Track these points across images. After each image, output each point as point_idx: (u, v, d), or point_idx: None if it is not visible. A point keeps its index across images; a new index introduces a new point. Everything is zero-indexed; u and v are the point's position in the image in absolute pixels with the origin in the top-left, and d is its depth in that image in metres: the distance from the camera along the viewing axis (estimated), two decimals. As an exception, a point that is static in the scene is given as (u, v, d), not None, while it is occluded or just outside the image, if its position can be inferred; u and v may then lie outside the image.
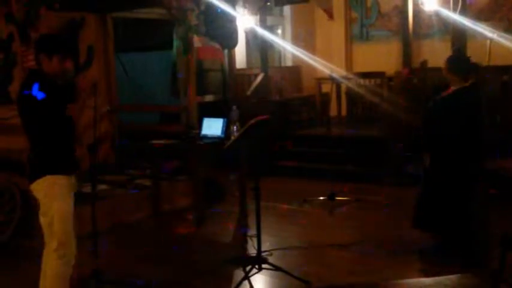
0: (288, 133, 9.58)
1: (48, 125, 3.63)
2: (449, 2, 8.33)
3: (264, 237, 5.02)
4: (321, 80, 10.19)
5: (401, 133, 7.94)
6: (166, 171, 7.34)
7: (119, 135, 8.23)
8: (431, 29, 10.27)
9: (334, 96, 9.64)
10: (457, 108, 4.97)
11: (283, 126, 9.67)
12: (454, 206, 4.97)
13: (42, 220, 3.79)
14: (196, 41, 7.98)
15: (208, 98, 9.66)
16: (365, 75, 9.83)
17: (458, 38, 8.02)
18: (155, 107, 9.51)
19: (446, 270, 4.61)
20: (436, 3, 8.88)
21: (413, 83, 8.47)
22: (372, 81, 9.68)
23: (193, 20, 7.87)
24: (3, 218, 5.80)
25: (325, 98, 9.85)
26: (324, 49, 11.45)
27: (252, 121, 4.76)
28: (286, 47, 11.66)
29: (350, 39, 11.57)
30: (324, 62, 10.16)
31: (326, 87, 9.90)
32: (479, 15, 9.45)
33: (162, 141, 6.46)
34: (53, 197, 3.71)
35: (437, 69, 5.52)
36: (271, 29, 11.31)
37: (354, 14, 11.52)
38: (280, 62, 12.47)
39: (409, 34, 9.22)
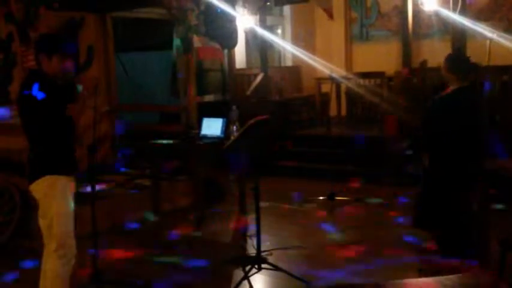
0: (288, 133, 9.58)
1: (48, 125, 3.63)
2: (449, 2, 8.34)
3: (263, 237, 5.02)
4: (320, 80, 10.20)
5: (401, 133, 7.94)
6: (166, 171, 7.33)
7: (119, 135, 8.23)
8: (431, 29, 10.28)
9: (334, 96, 9.65)
10: (455, 108, 4.96)
11: (283, 126, 9.67)
12: (453, 206, 4.96)
13: (42, 221, 3.77)
14: (196, 41, 7.98)
15: (208, 98, 9.67)
16: (365, 75, 9.83)
17: (458, 38, 8.03)
18: (155, 107, 9.51)
19: (446, 270, 4.61)
20: (436, 3, 8.88)
21: (413, 82, 8.48)
22: (372, 81, 9.68)
23: (193, 20, 7.87)
24: (3, 219, 5.79)
25: (325, 98, 9.86)
26: (323, 49, 11.46)
27: (252, 121, 4.75)
28: (286, 47, 11.67)
29: (350, 39, 11.58)
30: (323, 62, 10.17)
31: (326, 87, 9.92)
32: (479, 15, 9.46)
33: (162, 141, 6.46)
34: (53, 197, 3.70)
35: (437, 69, 5.53)
36: (271, 29, 11.31)
37: (354, 14, 11.53)
38: (280, 62, 12.48)
39: (409, 34, 9.22)
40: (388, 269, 4.82)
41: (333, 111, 9.79)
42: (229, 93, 9.88)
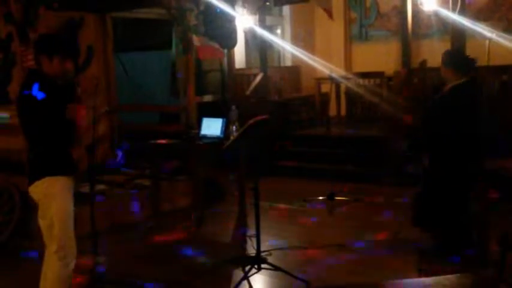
0: (288, 133, 9.58)
1: (47, 125, 3.62)
2: (448, 2, 8.33)
3: (263, 237, 5.01)
4: (320, 80, 10.20)
5: (401, 133, 7.93)
6: (166, 171, 7.33)
7: (119, 135, 8.23)
8: (430, 29, 10.28)
9: (333, 96, 9.64)
10: (454, 105, 4.96)
11: (283, 126, 9.67)
12: (453, 206, 4.97)
13: (41, 222, 3.75)
14: (196, 41, 7.97)
15: (208, 98, 9.66)
16: (364, 75, 9.84)
17: (458, 38, 8.02)
18: (155, 107, 9.51)
19: (446, 270, 4.61)
20: (435, 3, 8.88)
21: (413, 82, 8.47)
22: (371, 81, 9.68)
23: (192, 19, 7.86)
24: (2, 219, 5.79)
25: (325, 98, 9.85)
26: (323, 49, 11.46)
27: (251, 121, 4.75)
28: (286, 47, 11.66)
29: (349, 39, 11.58)
30: (323, 62, 10.16)
31: (325, 87, 9.92)
32: (479, 15, 9.47)
33: (161, 141, 6.45)
34: (53, 198, 3.69)
35: (436, 69, 5.52)
36: (271, 29, 11.31)
37: (353, 14, 11.54)
38: (279, 62, 12.47)
39: (408, 34, 9.22)
40: (388, 269, 4.82)
41: (332, 111, 9.79)
42: (229, 93, 9.87)
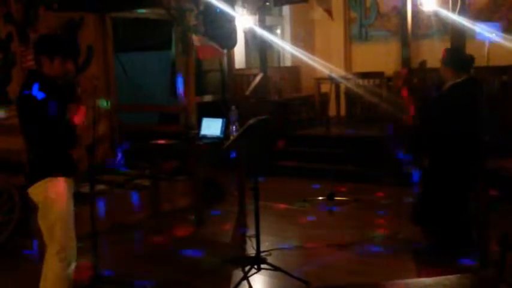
0: (286, 133, 9.57)
1: (47, 126, 3.61)
2: (448, 2, 8.34)
3: (263, 237, 5.01)
4: (320, 80, 10.20)
5: (401, 133, 7.93)
6: (166, 171, 7.33)
7: (119, 135, 8.23)
8: (430, 29, 10.28)
9: (333, 96, 9.64)
10: (453, 103, 4.95)
11: (283, 126, 9.67)
12: (453, 206, 4.97)
13: (42, 224, 3.73)
14: (195, 40, 7.97)
15: (207, 98, 9.66)
16: (364, 75, 9.84)
17: (457, 38, 8.02)
18: (154, 107, 9.51)
19: (446, 270, 4.61)
20: (435, 4, 8.88)
21: (413, 82, 8.46)
22: (371, 81, 9.69)
23: (192, 20, 7.87)
24: (2, 219, 5.78)
25: (324, 98, 9.86)
26: (323, 49, 11.46)
27: (251, 121, 4.75)
28: (285, 47, 11.66)
29: (349, 39, 11.59)
30: (323, 62, 10.17)
31: (325, 87, 9.92)
32: (478, 16, 9.46)
33: (161, 142, 6.45)
34: (54, 200, 3.68)
35: (436, 70, 5.53)
36: (270, 29, 11.31)
37: (353, 14, 11.54)
38: (279, 62, 12.47)
39: (408, 34, 9.23)
40: (388, 269, 4.82)
41: (332, 111, 9.79)
42: (229, 93, 9.87)
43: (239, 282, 4.51)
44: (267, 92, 10.21)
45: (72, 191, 3.84)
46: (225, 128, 6.10)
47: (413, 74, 8.54)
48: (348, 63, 11.41)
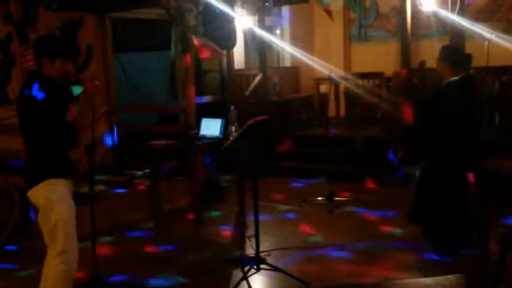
0: (288, 133, 9.56)
1: (47, 126, 3.60)
2: (447, 2, 8.33)
3: (262, 237, 5.01)
4: (319, 80, 10.21)
5: (400, 133, 7.94)
6: (165, 171, 7.32)
7: (118, 135, 8.22)
8: (429, 30, 10.28)
9: (332, 96, 9.66)
10: (449, 100, 4.95)
11: (282, 126, 9.66)
12: (453, 206, 4.97)
13: (43, 226, 3.71)
14: (195, 41, 7.97)
15: (207, 98, 9.66)
16: (363, 75, 9.84)
17: (457, 38, 8.02)
18: (154, 108, 9.51)
19: (446, 270, 4.61)
20: (434, 4, 8.88)
21: (413, 83, 8.48)
22: (371, 81, 9.69)
23: (191, 20, 7.86)
24: (1, 218, 5.79)
25: (324, 99, 9.86)
26: (322, 49, 11.46)
27: (251, 121, 4.75)
28: (285, 47, 11.66)
29: (348, 39, 11.59)
30: (322, 62, 10.18)
31: (324, 88, 9.93)
32: (478, 16, 9.47)
33: (161, 142, 6.45)
34: (55, 201, 3.65)
35: (435, 70, 5.53)
36: (270, 29, 11.31)
37: (353, 15, 11.54)
38: (278, 63, 12.47)
39: (408, 35, 9.22)
40: (388, 269, 4.82)
41: (331, 112, 9.80)
42: (228, 93, 9.87)
43: (239, 282, 4.51)
44: (266, 92, 10.21)
45: (71, 192, 3.83)
46: (225, 128, 6.09)
47: (412, 74, 8.54)
48: (347, 64, 11.41)
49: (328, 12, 9.90)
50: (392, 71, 9.25)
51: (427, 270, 4.75)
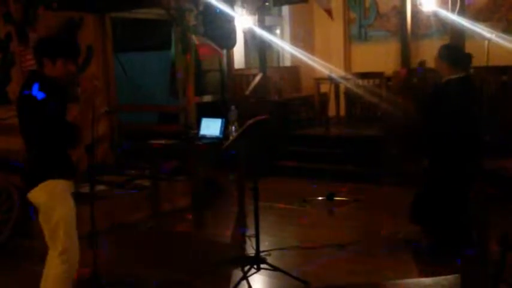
0: (286, 133, 9.57)
1: (47, 126, 3.59)
2: (447, 2, 8.33)
3: (262, 237, 5.01)
4: (319, 80, 10.20)
5: (400, 133, 7.94)
6: (165, 171, 7.32)
7: (118, 135, 8.23)
8: (429, 30, 10.28)
9: (332, 96, 9.66)
10: (448, 99, 4.95)
11: (282, 126, 9.66)
12: (453, 206, 4.97)
13: (45, 227, 3.71)
14: (195, 39, 7.98)
15: (207, 98, 9.66)
16: (363, 75, 9.84)
17: (457, 38, 8.02)
18: (154, 107, 9.51)
19: (446, 270, 4.61)
20: (435, 4, 8.88)
21: (412, 82, 8.48)
22: (371, 81, 9.68)
23: (191, 20, 7.88)
24: (1, 218, 5.78)
25: (324, 98, 9.86)
26: (322, 49, 11.46)
27: (251, 121, 4.75)
28: (285, 47, 11.66)
29: (348, 39, 11.58)
30: (322, 62, 10.18)
31: (325, 87, 9.92)
32: (478, 16, 9.46)
33: (161, 142, 6.45)
34: (57, 201, 3.65)
35: (436, 70, 5.52)
36: (270, 29, 11.30)
37: (353, 15, 11.53)
38: (278, 62, 12.46)
39: (408, 34, 9.21)
40: (388, 269, 4.82)
41: (331, 111, 9.80)
42: (228, 93, 9.87)
43: (238, 282, 4.51)
44: (266, 92, 10.20)
45: (71, 192, 3.83)
46: (225, 128, 6.09)
47: (412, 74, 8.54)
48: (347, 63, 11.41)
49: (328, 12, 9.91)
50: (392, 71, 9.24)
51: (427, 270, 4.75)
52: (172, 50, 8.29)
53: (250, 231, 5.46)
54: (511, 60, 8.19)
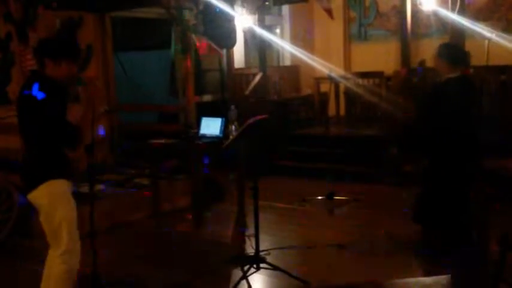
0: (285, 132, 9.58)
1: (47, 126, 3.59)
2: (447, 1, 8.33)
3: (262, 236, 5.00)
4: (319, 79, 10.20)
5: (400, 132, 7.94)
6: (165, 170, 7.32)
7: (118, 135, 8.23)
8: (429, 29, 10.27)
9: (332, 95, 9.65)
10: (446, 97, 4.94)
11: (282, 126, 9.66)
12: (453, 206, 4.96)
13: (46, 227, 3.70)
14: (194, 38, 7.98)
15: (207, 97, 9.66)
16: (363, 74, 9.84)
17: (457, 38, 8.02)
18: (154, 107, 9.51)
19: (445, 269, 4.61)
20: (434, 3, 8.88)
21: (412, 82, 8.48)
22: (370, 80, 9.68)
23: (191, 19, 7.88)
24: (1, 217, 5.78)
25: (324, 98, 9.86)
26: (322, 49, 11.45)
27: (251, 121, 4.75)
28: (285, 46, 11.65)
29: (348, 38, 11.58)
30: (322, 61, 10.17)
31: (324, 87, 9.92)
32: (478, 15, 9.46)
33: (161, 141, 6.45)
34: (58, 201, 3.65)
35: (435, 69, 5.52)
36: (270, 28, 11.30)
37: (352, 14, 11.53)
38: (278, 62, 12.46)
39: (408, 34, 9.22)
40: (388, 269, 4.82)
41: (331, 111, 9.79)
42: (228, 92, 9.87)
43: (238, 282, 4.51)
44: (266, 91, 10.20)
45: (71, 192, 3.83)
46: (225, 128, 6.09)
47: (412, 73, 8.54)
48: (347, 63, 11.40)
49: (328, 12, 9.91)
50: (392, 70, 9.24)
51: (427, 270, 4.75)
52: (172, 49, 8.29)
53: (250, 230, 5.46)
54: (511, 59, 8.19)
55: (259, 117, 4.82)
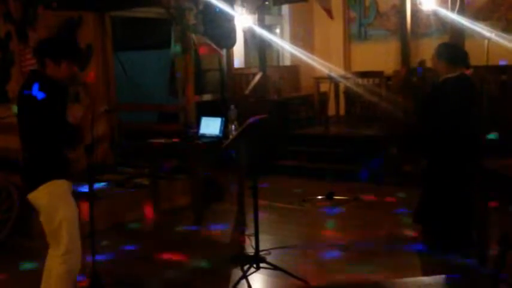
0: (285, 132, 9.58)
1: (47, 126, 3.58)
2: (447, 1, 8.33)
3: (262, 236, 5.00)
4: (319, 79, 10.20)
5: (400, 132, 7.94)
6: (165, 170, 7.32)
7: (118, 134, 8.22)
8: (429, 29, 10.27)
9: (332, 95, 9.66)
10: (445, 97, 4.94)
11: (282, 125, 9.66)
12: (453, 206, 4.96)
13: (47, 228, 3.70)
14: (194, 38, 7.97)
15: (207, 97, 9.65)
16: (363, 74, 9.84)
17: (456, 37, 8.02)
18: (154, 106, 9.50)
19: (445, 269, 4.61)
20: (434, 3, 8.88)
21: (412, 82, 8.48)
22: (370, 80, 9.68)
23: (191, 19, 7.87)
24: (0, 217, 5.78)
25: (324, 97, 9.87)
26: (322, 48, 11.46)
27: (250, 120, 4.75)
28: (285, 46, 11.65)
29: (348, 38, 11.58)
30: (322, 61, 10.18)
31: (324, 87, 9.93)
32: (478, 15, 9.46)
33: (160, 141, 6.45)
34: (59, 202, 3.65)
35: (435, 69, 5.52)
36: (270, 28, 11.29)
37: (352, 14, 11.53)
38: (278, 61, 12.46)
39: (407, 33, 9.21)
40: (388, 269, 4.82)
41: (331, 111, 9.80)
42: (228, 92, 9.86)
43: (238, 281, 4.51)
44: (266, 91, 10.20)
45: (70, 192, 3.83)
46: (224, 127, 6.10)
47: (412, 73, 8.54)
48: (347, 63, 11.41)
49: (328, 11, 9.90)
50: (392, 70, 9.25)
51: (427, 270, 4.75)
52: (172, 49, 8.28)
53: (250, 230, 5.47)
54: (511, 59, 8.20)
55: (259, 116, 4.82)
